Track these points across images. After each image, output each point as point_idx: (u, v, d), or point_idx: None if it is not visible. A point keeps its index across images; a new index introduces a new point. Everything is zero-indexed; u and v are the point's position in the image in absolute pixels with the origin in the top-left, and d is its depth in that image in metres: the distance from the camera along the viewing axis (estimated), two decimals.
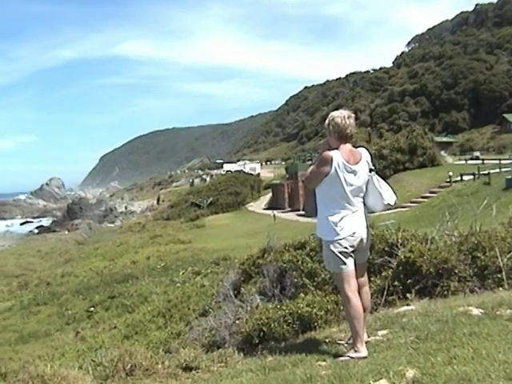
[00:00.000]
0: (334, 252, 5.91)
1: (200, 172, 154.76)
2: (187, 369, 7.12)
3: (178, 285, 27.01)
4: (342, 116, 6.02)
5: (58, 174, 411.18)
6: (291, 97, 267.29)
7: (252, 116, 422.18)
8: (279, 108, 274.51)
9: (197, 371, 7.03)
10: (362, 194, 6.06)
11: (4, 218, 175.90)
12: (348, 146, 6.00)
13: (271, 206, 77.24)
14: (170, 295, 24.65)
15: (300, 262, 9.74)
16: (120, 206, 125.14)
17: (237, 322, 9.16)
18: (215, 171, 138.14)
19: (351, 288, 5.95)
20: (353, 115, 6.10)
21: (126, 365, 7.04)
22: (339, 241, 5.87)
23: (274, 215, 59.80)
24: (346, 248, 5.88)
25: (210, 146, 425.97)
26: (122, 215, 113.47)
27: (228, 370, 6.74)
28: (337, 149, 5.93)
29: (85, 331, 24.73)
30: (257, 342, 8.02)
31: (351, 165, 5.88)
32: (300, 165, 78.84)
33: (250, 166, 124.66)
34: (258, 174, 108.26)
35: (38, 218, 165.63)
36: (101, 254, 51.19)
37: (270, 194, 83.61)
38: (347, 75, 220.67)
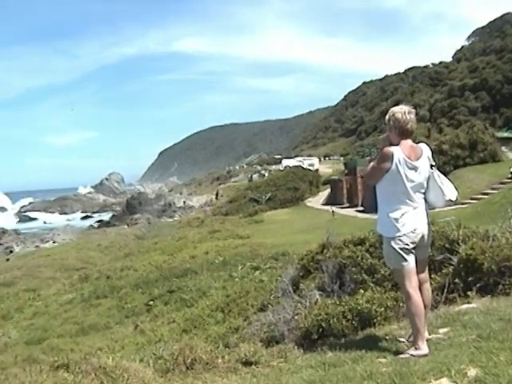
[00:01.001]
0: (394, 248, 5.88)
1: (258, 167, 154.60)
2: (247, 363, 7.15)
3: (237, 280, 27.04)
4: (402, 111, 5.97)
5: (118, 169, 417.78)
6: (350, 92, 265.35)
7: (311, 111, 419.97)
8: (338, 103, 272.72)
9: (257, 366, 7.06)
10: (422, 190, 6.01)
11: (65, 213, 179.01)
12: (409, 141, 5.95)
13: (329, 201, 76.83)
14: (228, 290, 24.69)
15: (359, 258, 9.71)
16: (179, 200, 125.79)
17: (295, 317, 9.17)
18: (273, 167, 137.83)
19: (412, 285, 5.91)
20: (413, 110, 6.05)
21: (187, 358, 7.10)
22: (400, 237, 5.83)
23: (333, 211, 59.46)
24: (407, 244, 5.84)
25: (268, 141, 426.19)
26: (181, 210, 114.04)
27: (288, 365, 6.74)
28: (397, 145, 5.89)
29: (144, 324, 24.93)
30: (316, 337, 8.01)
31: (412, 161, 5.84)
32: (359, 160, 78.23)
33: (309, 162, 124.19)
34: (317, 170, 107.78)
35: (97, 212, 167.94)
36: (160, 248, 51.51)
37: (329, 190, 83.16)
38: (406, 70, 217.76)
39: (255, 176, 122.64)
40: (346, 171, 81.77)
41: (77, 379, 6.56)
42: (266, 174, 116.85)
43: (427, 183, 6.02)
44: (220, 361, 7.19)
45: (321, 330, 8.01)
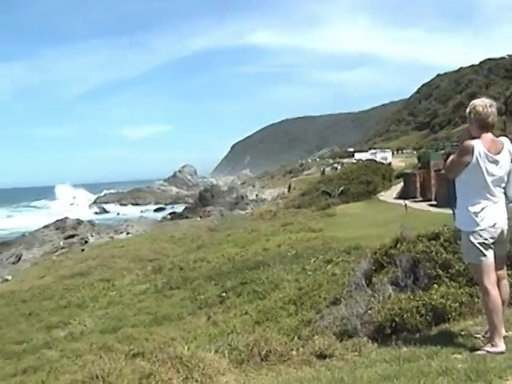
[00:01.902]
0: (473, 243, 5.81)
1: (331, 161, 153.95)
2: (321, 356, 7.17)
3: (309, 273, 26.98)
4: (483, 104, 5.90)
5: (191, 161, 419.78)
6: (423, 85, 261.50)
7: (383, 104, 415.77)
8: (411, 96, 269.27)
9: (331, 359, 7.07)
10: (503, 185, 5.92)
11: (138, 204, 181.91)
12: (489, 135, 5.88)
13: (402, 195, 76.03)
14: (301, 283, 24.68)
15: (434, 253, 9.62)
16: (251, 193, 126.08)
17: (369, 311, 9.14)
18: (346, 160, 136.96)
19: (490, 280, 5.84)
20: (494, 104, 5.97)
21: (262, 350, 7.15)
22: (479, 232, 5.77)
23: (406, 205, 58.87)
24: (486, 239, 5.77)
25: (340, 134, 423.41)
26: (253, 203, 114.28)
27: (362, 359, 6.74)
28: (478, 138, 5.82)
29: (216, 316, 25.11)
30: (389, 332, 7.99)
31: (493, 154, 5.76)
32: (432, 154, 77.24)
33: (381, 155, 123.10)
34: (390, 163, 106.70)
35: (170, 204, 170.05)
36: (232, 240, 51.71)
37: (402, 184, 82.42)
38: (481, 62, 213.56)
39: (327, 169, 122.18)
40: (420, 165, 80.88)
41: (154, 368, 6.68)
42: (339, 168, 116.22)
43: (508, 177, 5.94)
44: (294, 353, 7.22)
45: (394, 324, 8.00)
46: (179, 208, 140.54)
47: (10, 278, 55.31)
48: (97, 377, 6.66)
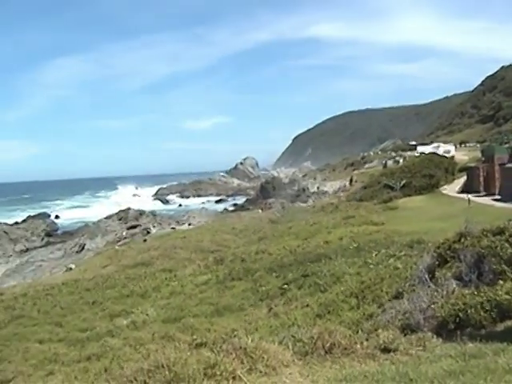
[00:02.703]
0: None
1: (393, 154, 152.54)
2: (385, 350, 7.17)
3: (372, 266, 26.75)
4: None
5: (252, 153, 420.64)
6: (487, 77, 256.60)
7: (447, 97, 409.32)
8: (475, 88, 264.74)
9: (395, 353, 7.07)
10: None
11: (200, 196, 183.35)
12: None
13: (465, 189, 75.01)
14: (363, 276, 24.50)
15: (499, 248, 9.53)
16: (312, 186, 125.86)
17: (432, 306, 9.09)
18: (408, 153, 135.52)
19: None
20: None
21: (326, 343, 7.19)
22: None
23: (469, 199, 58.11)
24: None
25: (403, 127, 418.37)
26: (314, 195, 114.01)
27: (426, 353, 6.72)
28: None
29: (278, 308, 25.14)
30: (452, 327, 7.95)
31: None
32: (497, 148, 76.12)
33: (444, 149, 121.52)
34: (452, 157, 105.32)
35: (231, 196, 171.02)
36: (293, 232, 51.64)
37: (465, 178, 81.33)
38: None
39: (389, 162, 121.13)
40: (483, 159, 79.70)
41: (218, 358, 6.78)
42: (401, 161, 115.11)
43: None
44: (358, 346, 7.25)
45: (458, 320, 7.96)
46: (240, 200, 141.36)
47: (73, 266, 56.45)
48: (162, 366, 6.80)
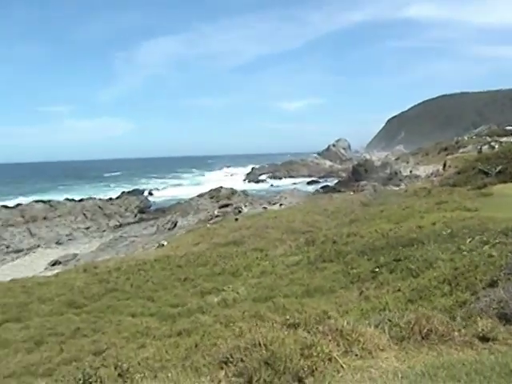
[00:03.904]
0: None
1: (488, 139, 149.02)
2: (484, 339, 7.07)
3: (465, 253, 26.26)
4: None
5: (345, 135, 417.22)
6: None
7: None
8: None
9: (494, 342, 6.97)
10: None
11: (292, 176, 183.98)
12: None
13: None
14: (456, 263, 24.05)
15: None
16: (405, 169, 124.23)
17: None
18: (504, 138, 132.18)
19: None
20: None
21: (423, 328, 7.14)
22: None
23: None
24: None
25: (499, 111, 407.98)
26: (407, 179, 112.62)
27: None
28: None
29: (369, 291, 24.92)
30: None
31: None
32: None
33: None
34: None
35: (323, 177, 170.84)
36: (385, 216, 51.05)
37: None
38: None
39: (485, 147, 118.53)
40: None
41: (315, 339, 6.81)
42: (496, 146, 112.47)
43: None
44: (456, 334, 7.16)
45: None
46: (332, 181, 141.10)
47: (165, 243, 57.44)
48: (259, 344, 6.86)
